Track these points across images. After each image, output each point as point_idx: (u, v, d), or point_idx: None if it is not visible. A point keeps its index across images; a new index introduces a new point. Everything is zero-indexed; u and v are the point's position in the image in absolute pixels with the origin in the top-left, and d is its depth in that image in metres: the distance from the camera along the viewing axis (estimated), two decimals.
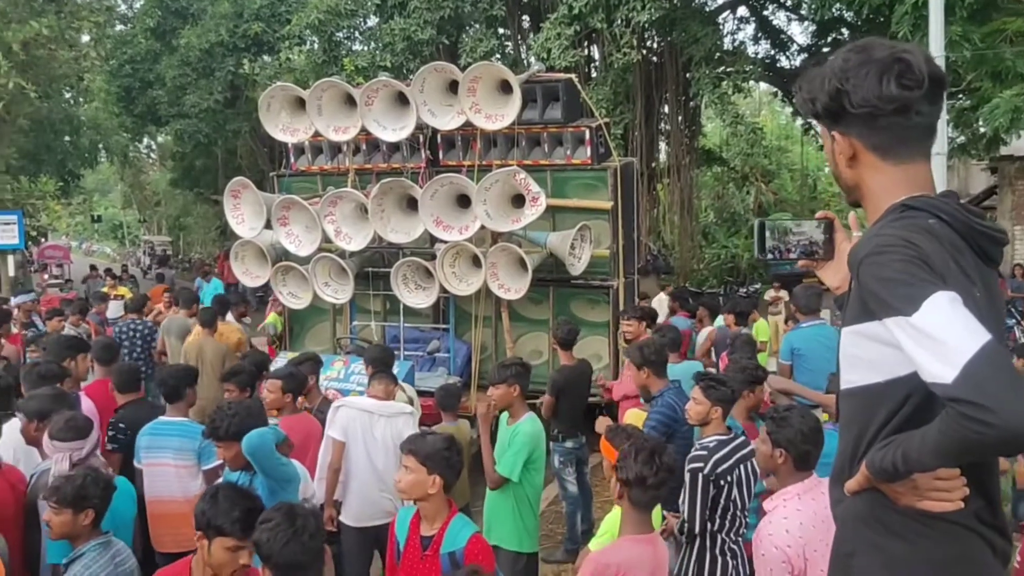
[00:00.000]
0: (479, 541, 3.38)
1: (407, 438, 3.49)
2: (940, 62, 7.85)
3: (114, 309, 12.29)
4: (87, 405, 5.03)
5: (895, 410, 1.70)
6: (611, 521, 3.74)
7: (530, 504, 4.74)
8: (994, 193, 17.06)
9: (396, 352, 7.15)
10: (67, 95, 21.81)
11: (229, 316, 9.22)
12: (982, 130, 12.08)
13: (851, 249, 1.75)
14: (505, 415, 4.86)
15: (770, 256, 2.06)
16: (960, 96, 12.27)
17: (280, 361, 7.19)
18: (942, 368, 1.48)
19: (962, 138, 13.74)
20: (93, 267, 24.84)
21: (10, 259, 16.41)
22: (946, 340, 1.48)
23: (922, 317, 1.51)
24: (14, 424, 4.43)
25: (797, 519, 3.14)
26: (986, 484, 1.71)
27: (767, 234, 2.05)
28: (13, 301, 11.55)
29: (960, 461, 1.61)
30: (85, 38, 18.93)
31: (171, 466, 4.56)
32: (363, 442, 4.78)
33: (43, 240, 27.62)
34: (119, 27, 21.58)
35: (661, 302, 10.68)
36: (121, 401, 5.09)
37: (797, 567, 3.07)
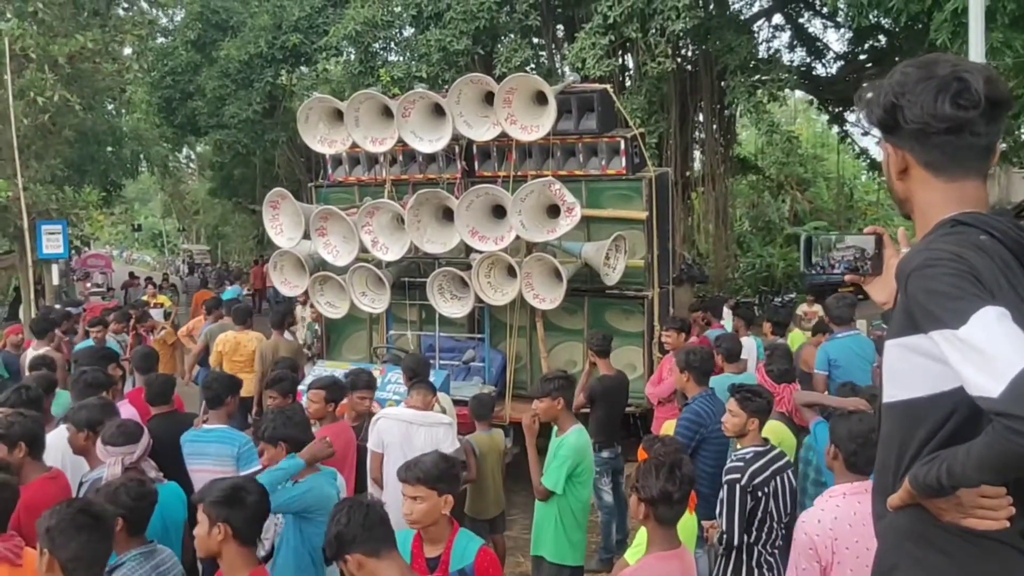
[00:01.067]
0: (487, 554, 3.35)
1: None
2: None
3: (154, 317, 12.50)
4: (129, 412, 5.12)
5: (939, 426, 1.69)
6: (645, 532, 3.75)
7: (575, 517, 4.68)
8: None
9: (432, 361, 7.22)
10: (110, 107, 22.22)
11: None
12: (1023, 138, 11.89)
13: (899, 262, 1.75)
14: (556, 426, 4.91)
15: (814, 271, 2.08)
16: None
17: (318, 370, 7.30)
18: (989, 382, 1.48)
19: (1003, 145, 13.51)
20: (132, 274, 25.28)
21: (54, 268, 16.77)
22: (994, 354, 1.48)
23: (970, 331, 1.51)
24: (60, 432, 4.55)
25: (833, 514, 3.18)
26: None
27: (812, 249, 2.06)
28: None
29: (1006, 476, 1.61)
30: (128, 51, 19.32)
31: (211, 472, 4.64)
32: (401, 452, 4.84)
33: (86, 249, 28.16)
34: (160, 40, 21.97)
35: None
36: (152, 413, 5.13)
37: (824, 558, 3.12)
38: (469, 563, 3.28)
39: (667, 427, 5.54)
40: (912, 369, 1.71)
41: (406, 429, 4.94)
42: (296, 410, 4.24)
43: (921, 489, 1.69)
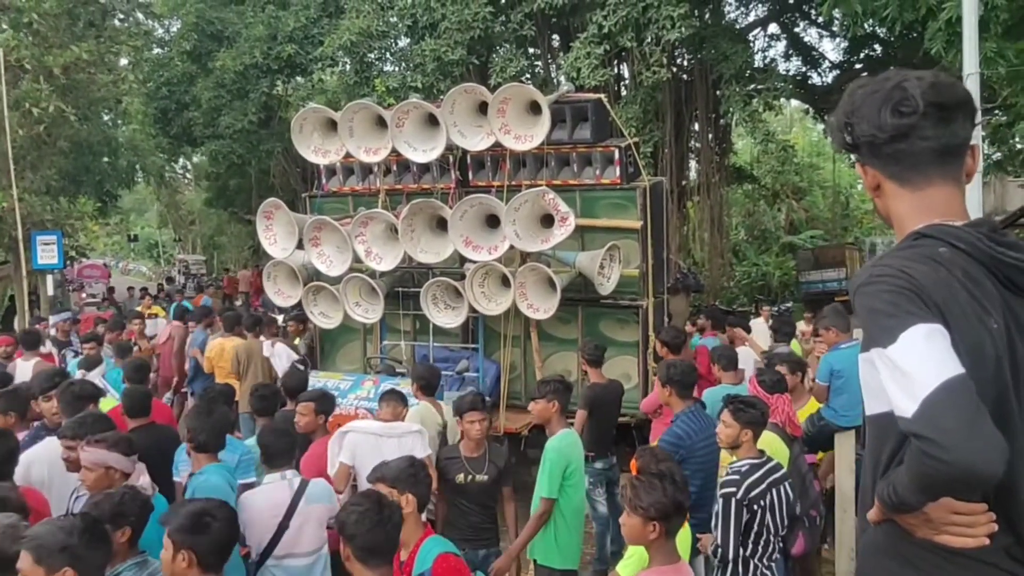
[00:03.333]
0: (446, 560, 3.35)
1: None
2: (975, 79, 7.73)
3: (149, 328, 12.48)
4: None
5: (902, 440, 1.67)
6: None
7: (565, 520, 4.72)
8: None
9: None
10: (106, 117, 22.24)
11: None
12: (1018, 146, 11.93)
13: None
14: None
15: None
16: (996, 112, 12.10)
17: (312, 381, 7.25)
18: (906, 402, 1.50)
19: (998, 154, 13.56)
20: (111, 289, 25.16)
21: (49, 278, 16.73)
22: (913, 374, 1.49)
23: (896, 350, 1.52)
24: (49, 446, 4.49)
25: None
26: (1014, 519, 1.64)
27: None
28: (52, 320, 11.79)
29: (930, 497, 1.58)
30: (123, 62, 19.33)
31: None
32: (372, 465, 4.84)
33: (82, 260, 28.08)
34: (156, 51, 21.98)
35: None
36: (131, 426, 5.07)
37: None
38: (427, 568, 3.28)
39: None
40: (875, 384, 1.69)
41: (375, 442, 4.90)
42: (214, 413, 4.26)
43: (884, 504, 1.68)
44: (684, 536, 3.84)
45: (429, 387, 5.79)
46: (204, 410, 4.17)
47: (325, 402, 5.20)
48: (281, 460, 4.24)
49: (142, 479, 3.81)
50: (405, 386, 6.30)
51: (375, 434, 4.94)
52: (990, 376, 1.58)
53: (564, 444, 4.74)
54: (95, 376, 7.11)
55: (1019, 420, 1.61)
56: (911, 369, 1.50)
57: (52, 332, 11.23)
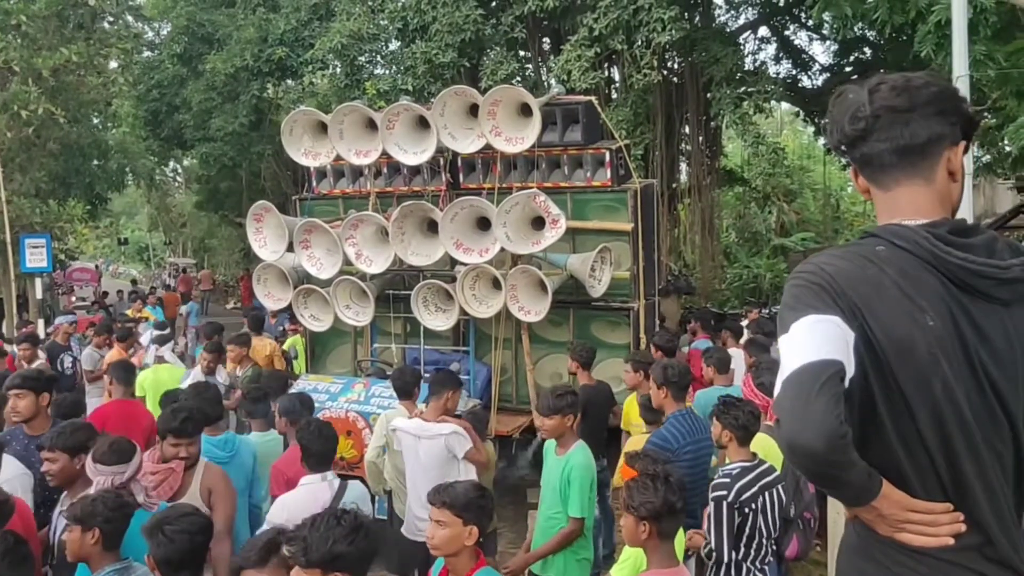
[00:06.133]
0: None
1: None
2: (964, 81, 7.75)
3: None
4: None
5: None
6: (633, 549, 3.69)
7: (584, 535, 4.56)
8: (1021, 212, 16.81)
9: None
10: (96, 120, 22.12)
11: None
12: (1008, 149, 11.96)
13: None
14: (551, 443, 4.81)
15: None
16: (986, 115, 12.14)
17: (301, 384, 7.22)
18: (778, 386, 1.56)
19: (988, 157, 13.61)
20: (105, 293, 25.07)
21: (37, 282, 16.63)
22: (784, 359, 1.56)
23: (783, 339, 1.59)
24: None
25: None
26: (979, 520, 1.61)
27: None
28: (58, 320, 11.76)
29: (810, 480, 1.62)
30: (113, 64, 19.25)
31: None
32: (409, 462, 4.99)
33: (71, 263, 27.95)
34: (146, 53, 21.92)
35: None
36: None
37: None
38: None
39: (632, 443, 5.50)
40: None
41: (413, 441, 5.01)
42: None
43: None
44: (678, 538, 3.83)
45: (400, 391, 5.78)
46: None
47: (285, 404, 5.22)
48: (322, 462, 4.25)
49: (89, 490, 3.72)
50: None
51: (414, 435, 5.01)
52: (926, 373, 1.58)
53: (589, 459, 4.59)
54: (166, 351, 8.10)
55: (973, 418, 1.60)
56: (785, 355, 1.56)
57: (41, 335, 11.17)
